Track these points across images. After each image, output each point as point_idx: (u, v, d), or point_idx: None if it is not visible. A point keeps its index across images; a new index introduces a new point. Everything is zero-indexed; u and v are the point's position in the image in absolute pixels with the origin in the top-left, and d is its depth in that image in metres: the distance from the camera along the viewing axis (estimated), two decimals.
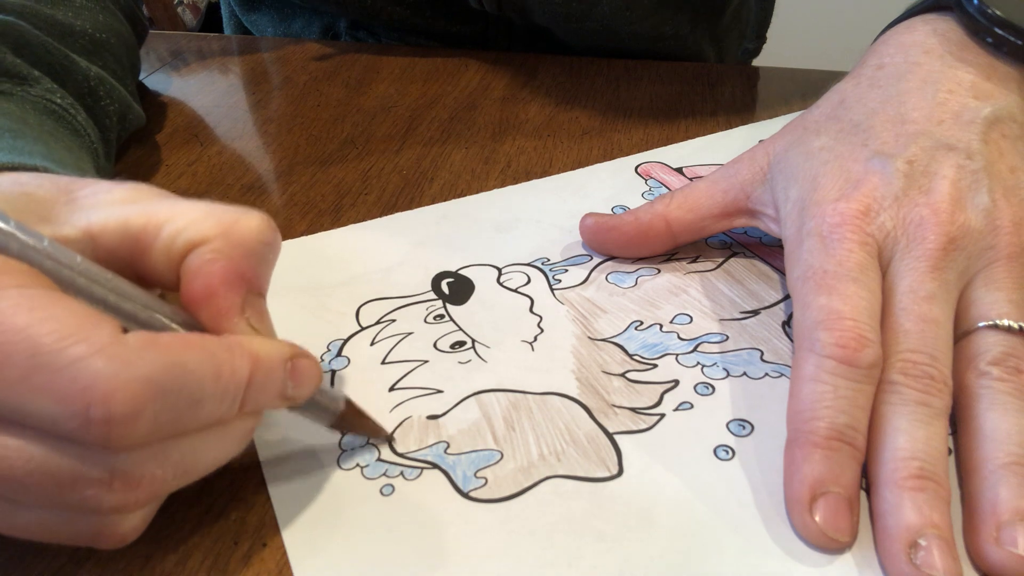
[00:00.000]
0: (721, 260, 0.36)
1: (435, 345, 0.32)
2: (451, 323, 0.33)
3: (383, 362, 0.31)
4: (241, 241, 0.22)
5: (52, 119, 0.36)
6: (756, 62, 0.76)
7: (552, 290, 0.35)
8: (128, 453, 0.20)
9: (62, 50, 0.39)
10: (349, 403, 0.26)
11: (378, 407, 0.29)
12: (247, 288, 0.23)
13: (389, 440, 0.28)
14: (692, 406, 0.29)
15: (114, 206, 0.23)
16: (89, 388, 0.18)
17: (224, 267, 0.22)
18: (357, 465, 0.27)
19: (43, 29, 0.39)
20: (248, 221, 0.23)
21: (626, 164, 0.43)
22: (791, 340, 0.32)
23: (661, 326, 0.33)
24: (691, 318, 0.33)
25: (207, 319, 0.22)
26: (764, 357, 0.31)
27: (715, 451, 0.27)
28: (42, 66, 0.38)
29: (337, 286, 0.35)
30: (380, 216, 0.40)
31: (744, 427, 0.28)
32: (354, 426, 0.27)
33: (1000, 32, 0.32)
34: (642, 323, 0.33)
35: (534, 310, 0.34)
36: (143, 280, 0.23)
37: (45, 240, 0.20)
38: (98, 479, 0.19)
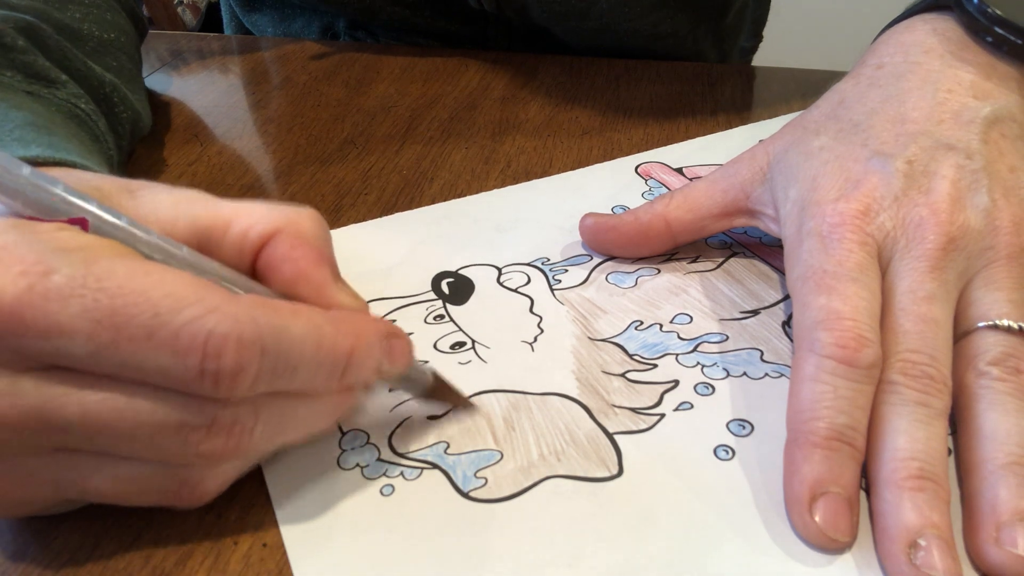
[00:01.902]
0: (721, 260, 0.36)
1: (435, 345, 0.32)
2: (451, 323, 0.33)
3: None
4: (308, 229, 0.24)
5: (75, 123, 0.36)
6: (755, 61, 0.77)
7: (552, 290, 0.35)
8: (229, 405, 0.21)
9: (79, 55, 0.39)
10: (436, 376, 0.28)
11: (378, 407, 0.29)
12: (329, 264, 0.24)
13: (468, 407, 0.29)
14: (692, 406, 0.29)
15: (177, 204, 0.24)
16: (204, 344, 0.20)
17: (308, 250, 0.24)
18: (357, 465, 0.27)
19: (57, 33, 0.39)
20: (306, 212, 0.25)
21: (626, 164, 0.43)
22: (791, 340, 0.32)
23: (661, 326, 0.33)
24: (691, 318, 0.33)
25: (304, 298, 0.24)
26: (764, 357, 0.31)
27: (715, 451, 0.27)
28: (66, 70, 0.38)
29: None
30: (380, 216, 0.40)
31: (744, 427, 0.28)
32: (441, 396, 0.28)
33: (1000, 31, 0.32)
34: (642, 323, 0.33)
35: (534, 310, 0.34)
36: None
37: (124, 218, 0.22)
38: (199, 426, 0.21)
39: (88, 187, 0.23)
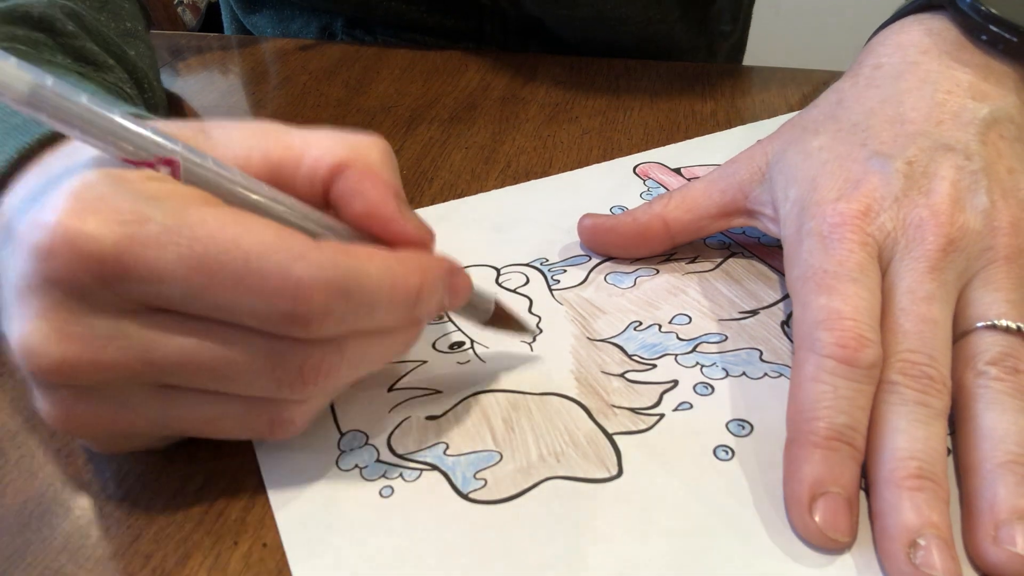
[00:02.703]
0: (720, 260, 0.36)
1: (434, 345, 0.32)
2: (450, 323, 0.33)
3: None
4: (376, 160, 0.25)
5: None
6: (754, 62, 0.76)
7: (551, 290, 0.35)
8: (315, 345, 0.23)
9: (116, 40, 0.39)
10: (499, 304, 0.29)
11: (377, 407, 0.29)
12: (397, 196, 0.25)
13: (535, 336, 0.31)
14: (691, 406, 0.29)
15: (249, 139, 0.25)
16: (292, 288, 0.21)
17: (376, 182, 0.24)
18: (356, 466, 0.27)
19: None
20: (372, 141, 0.25)
21: (624, 164, 0.43)
22: (790, 340, 0.32)
23: (660, 326, 0.33)
24: (690, 318, 0.33)
25: (375, 231, 0.25)
26: (763, 357, 0.31)
27: (715, 451, 0.27)
28: (111, 55, 0.38)
29: None
30: None
31: (744, 427, 0.28)
32: (503, 324, 0.30)
33: (995, 29, 0.32)
34: (641, 323, 0.33)
35: (533, 311, 0.34)
36: None
37: (209, 158, 0.23)
38: (290, 366, 0.22)
39: (168, 129, 0.23)
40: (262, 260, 0.21)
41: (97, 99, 0.21)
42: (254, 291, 0.21)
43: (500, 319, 0.29)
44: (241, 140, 0.25)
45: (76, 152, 0.23)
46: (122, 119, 0.22)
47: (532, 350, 0.31)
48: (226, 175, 0.23)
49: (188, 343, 0.22)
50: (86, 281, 0.21)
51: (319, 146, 0.25)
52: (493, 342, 0.32)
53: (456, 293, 0.26)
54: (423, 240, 0.25)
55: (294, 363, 0.22)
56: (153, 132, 0.22)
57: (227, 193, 0.23)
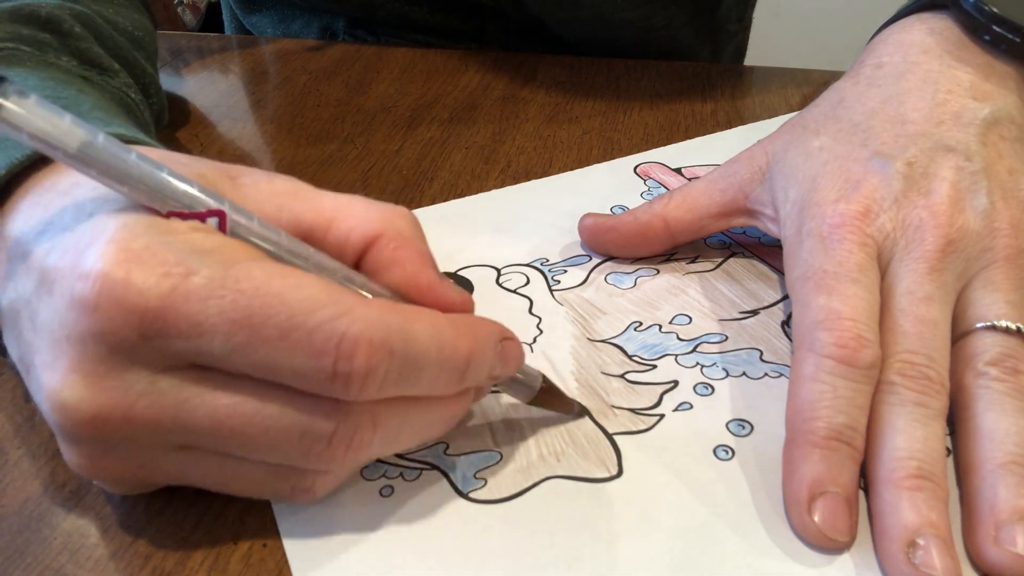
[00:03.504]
0: (720, 260, 0.36)
1: None
2: None
3: None
4: (406, 229, 0.25)
5: (126, 111, 0.36)
6: (754, 62, 0.76)
7: (551, 291, 0.35)
8: (352, 412, 0.22)
9: (127, 45, 0.39)
10: (545, 380, 0.27)
11: None
12: (433, 265, 0.25)
13: (580, 413, 0.28)
14: (692, 406, 0.29)
15: (279, 197, 0.24)
16: (337, 345, 0.20)
17: (412, 251, 0.24)
18: None
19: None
20: (401, 211, 0.25)
21: (625, 164, 0.43)
22: (790, 340, 0.32)
23: (660, 327, 0.33)
24: (690, 318, 0.33)
25: (414, 302, 0.24)
26: (763, 357, 0.31)
27: (715, 451, 0.27)
28: (117, 59, 0.38)
29: None
30: None
31: (743, 427, 0.28)
32: (549, 403, 0.28)
33: (997, 29, 0.32)
34: (641, 324, 0.33)
35: (533, 311, 0.34)
36: None
37: (255, 219, 0.22)
38: (322, 434, 0.22)
39: (193, 173, 0.23)
40: (308, 315, 0.20)
41: (144, 157, 0.21)
42: (297, 347, 0.20)
43: (546, 396, 0.28)
44: (271, 197, 0.24)
45: (87, 180, 0.23)
46: (170, 177, 0.21)
47: (532, 351, 0.31)
48: (272, 236, 0.23)
49: (222, 405, 0.21)
50: (128, 336, 0.20)
51: (351, 214, 0.24)
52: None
53: (507, 361, 0.25)
54: (465, 307, 0.25)
55: (325, 432, 0.22)
56: (200, 190, 0.22)
57: (272, 253, 0.22)
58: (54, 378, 0.21)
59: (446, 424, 0.25)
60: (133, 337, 0.20)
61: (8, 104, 0.19)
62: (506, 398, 0.29)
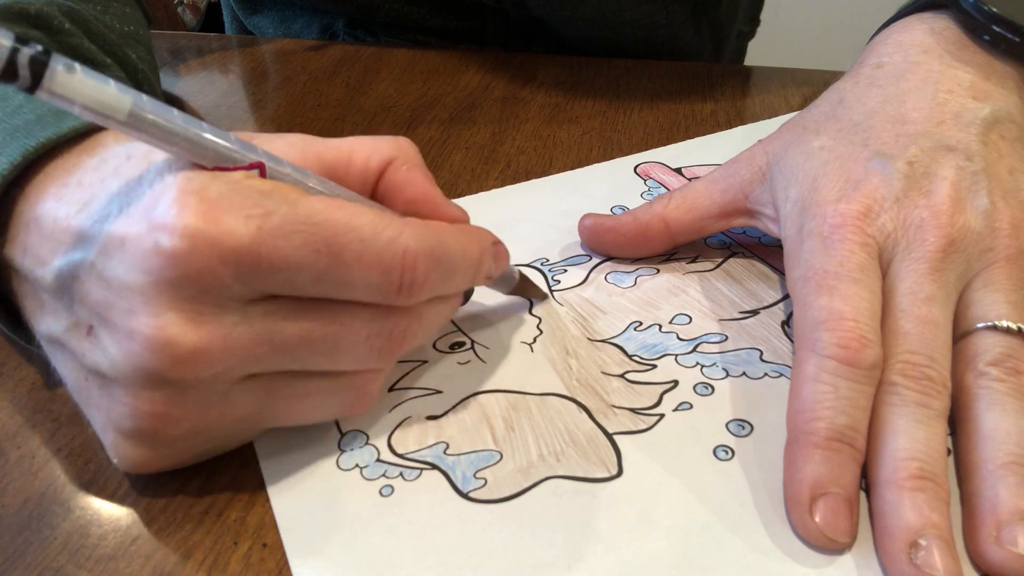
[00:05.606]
0: (720, 260, 0.36)
1: (434, 345, 0.32)
2: (450, 323, 0.33)
3: None
4: (414, 155, 0.28)
5: None
6: (754, 61, 0.76)
7: (551, 290, 0.35)
8: (404, 313, 0.25)
9: (117, 41, 0.39)
10: (522, 275, 0.33)
11: (377, 407, 0.29)
12: (435, 184, 0.28)
13: (543, 297, 0.34)
14: (691, 406, 0.29)
15: (298, 143, 0.26)
16: (402, 258, 0.23)
17: (421, 172, 0.27)
18: (356, 466, 0.27)
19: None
20: (405, 141, 0.28)
21: (625, 164, 0.43)
22: (790, 340, 0.32)
23: (660, 326, 0.33)
24: (690, 318, 0.33)
25: (424, 215, 0.27)
26: (763, 357, 0.31)
27: (715, 451, 0.27)
28: (109, 55, 0.38)
29: None
30: None
31: (744, 427, 0.28)
32: (524, 291, 0.34)
33: (997, 29, 0.32)
34: (641, 323, 0.33)
35: (533, 311, 0.34)
36: None
37: (288, 165, 0.24)
38: (384, 333, 0.25)
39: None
40: (375, 238, 0.23)
41: (186, 116, 0.22)
42: (371, 265, 0.23)
43: (523, 286, 0.33)
44: (290, 147, 0.26)
45: (114, 156, 0.24)
46: (211, 134, 0.23)
47: (532, 351, 0.31)
48: (303, 179, 0.24)
49: (306, 324, 0.23)
50: (222, 275, 0.22)
51: (364, 146, 0.27)
52: (494, 343, 0.32)
53: (500, 259, 0.29)
54: (464, 219, 0.28)
55: (386, 331, 0.25)
56: (240, 144, 0.23)
57: (311, 190, 0.24)
58: (150, 322, 0.22)
59: (451, 316, 0.28)
60: (227, 276, 0.22)
61: (60, 77, 0.19)
62: (506, 398, 0.29)
